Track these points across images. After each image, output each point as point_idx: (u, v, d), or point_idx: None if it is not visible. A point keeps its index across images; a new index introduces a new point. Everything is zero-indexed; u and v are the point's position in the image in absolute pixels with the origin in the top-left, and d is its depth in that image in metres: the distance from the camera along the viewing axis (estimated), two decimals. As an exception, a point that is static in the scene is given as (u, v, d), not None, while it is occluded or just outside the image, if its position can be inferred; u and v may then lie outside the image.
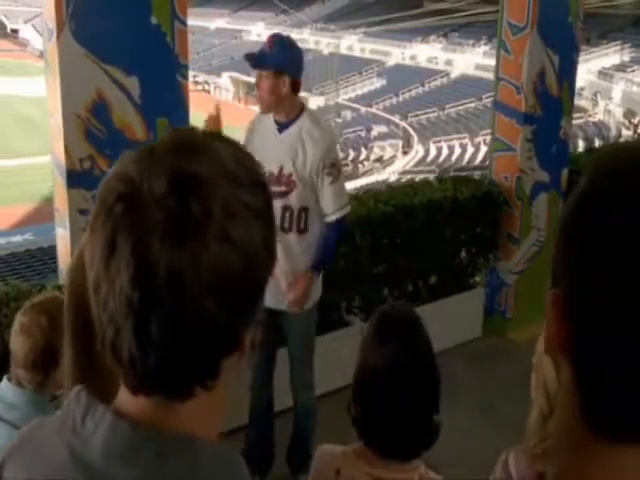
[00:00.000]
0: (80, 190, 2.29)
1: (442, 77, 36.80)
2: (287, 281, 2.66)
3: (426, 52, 38.98)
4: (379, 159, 29.39)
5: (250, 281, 0.61)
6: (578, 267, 0.53)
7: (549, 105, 4.02)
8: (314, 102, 38.01)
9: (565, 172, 4.33)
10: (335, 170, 2.61)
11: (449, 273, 4.11)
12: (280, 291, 2.67)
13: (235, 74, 39.22)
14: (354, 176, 24.88)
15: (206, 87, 41.60)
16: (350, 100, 37.82)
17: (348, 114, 36.10)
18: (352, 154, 30.57)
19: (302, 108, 2.64)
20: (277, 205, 2.59)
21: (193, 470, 0.61)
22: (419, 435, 1.26)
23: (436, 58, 38.07)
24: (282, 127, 2.61)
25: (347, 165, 29.21)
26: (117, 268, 0.57)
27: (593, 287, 0.52)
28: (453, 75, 36.09)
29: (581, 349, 0.53)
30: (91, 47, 2.20)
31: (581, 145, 18.22)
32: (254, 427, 2.95)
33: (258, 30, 46.88)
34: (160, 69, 2.37)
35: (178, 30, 2.36)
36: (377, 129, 32.89)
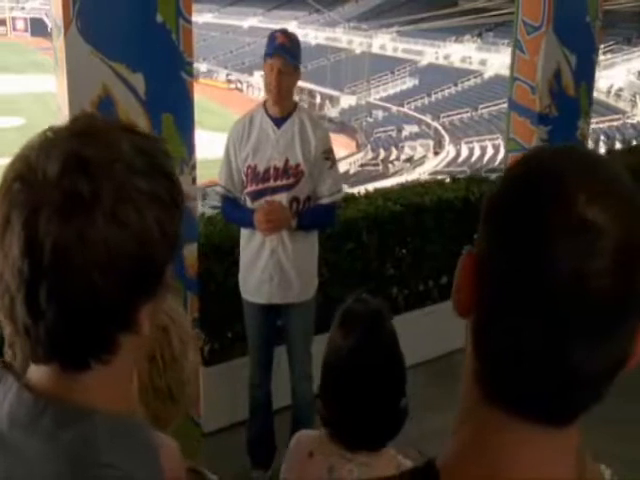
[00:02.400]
0: (86, 183, 2.35)
1: (475, 77, 36.43)
2: (296, 274, 2.71)
3: (460, 52, 38.64)
4: (409, 159, 29.24)
5: (141, 262, 0.64)
6: (483, 241, 0.55)
7: (565, 106, 3.97)
8: (345, 101, 38.05)
9: (582, 174, 4.27)
10: (332, 156, 2.70)
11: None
12: (288, 285, 2.72)
13: (267, 73, 39.33)
14: (384, 176, 24.80)
15: (239, 86, 41.90)
16: (382, 99, 37.71)
17: (379, 114, 36.01)
18: (382, 154, 30.49)
19: (295, 102, 2.74)
20: (284, 198, 2.64)
21: (89, 439, 0.65)
22: (382, 427, 1.27)
23: (470, 58, 37.71)
24: (280, 122, 2.67)
25: (377, 165, 29.18)
26: (10, 241, 0.62)
27: (489, 263, 0.55)
28: (487, 75, 35.68)
29: (480, 320, 0.56)
30: (97, 44, 2.26)
31: (618, 147, 17.85)
32: (255, 421, 3.00)
33: (291, 29, 46.98)
34: (165, 66, 2.41)
35: (183, 28, 2.41)
36: (408, 129, 32.74)
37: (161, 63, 2.40)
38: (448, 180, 4.26)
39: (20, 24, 59.38)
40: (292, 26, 47.74)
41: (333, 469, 1.25)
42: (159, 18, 2.34)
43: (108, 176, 0.63)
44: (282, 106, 2.66)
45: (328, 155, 2.69)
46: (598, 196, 0.52)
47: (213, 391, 3.24)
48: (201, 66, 44.66)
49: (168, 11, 2.35)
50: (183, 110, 2.51)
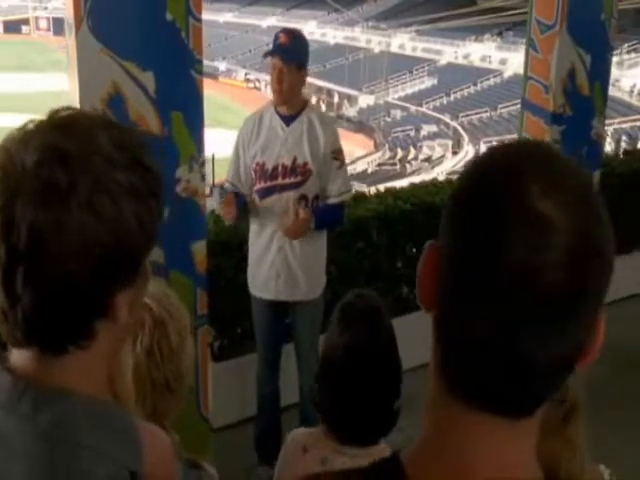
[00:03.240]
0: (97, 179, 2.39)
1: (495, 76, 36.15)
2: (303, 272, 2.72)
3: (480, 51, 38.37)
4: (427, 159, 29.11)
5: (116, 251, 0.67)
6: (444, 235, 0.56)
7: (580, 105, 3.94)
8: (364, 101, 37.98)
9: (597, 174, 4.23)
10: (341, 156, 2.70)
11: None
12: (295, 282, 2.74)
13: (285, 72, 39.38)
14: (401, 175, 24.72)
15: (257, 85, 42.03)
16: (400, 99, 37.58)
17: (397, 113, 35.90)
18: (400, 153, 30.39)
19: (305, 100, 2.75)
20: (292, 196, 2.65)
21: (67, 420, 0.67)
22: (376, 421, 1.28)
23: (490, 57, 37.43)
24: (289, 120, 2.68)
25: (395, 164, 29.09)
26: None
27: (448, 256, 0.56)
28: (506, 74, 35.39)
29: (440, 312, 0.57)
30: (108, 42, 2.29)
31: None
32: (262, 417, 3.02)
33: (310, 29, 47.08)
34: (175, 64, 2.44)
35: (193, 26, 2.43)
36: (427, 128, 32.59)
37: (171, 61, 2.42)
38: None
39: (43, 23, 60.14)
40: (311, 25, 47.80)
41: (326, 461, 1.27)
42: (169, 16, 2.36)
43: (85, 168, 0.65)
44: (290, 104, 2.67)
45: (337, 155, 2.69)
46: (552, 190, 0.52)
47: (222, 387, 3.26)
48: (220, 65, 44.88)
49: (178, 9, 2.38)
50: (193, 108, 2.54)
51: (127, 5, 2.31)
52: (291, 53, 2.62)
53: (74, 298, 0.66)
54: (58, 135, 0.67)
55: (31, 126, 0.68)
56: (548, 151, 0.57)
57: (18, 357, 0.70)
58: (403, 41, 42.27)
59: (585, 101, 3.97)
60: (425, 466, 0.58)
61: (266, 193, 2.70)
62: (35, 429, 0.66)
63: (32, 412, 0.67)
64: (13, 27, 58.87)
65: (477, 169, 0.57)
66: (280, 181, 2.67)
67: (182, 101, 2.50)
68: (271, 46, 2.68)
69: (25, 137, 0.67)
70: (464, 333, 0.55)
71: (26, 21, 60.26)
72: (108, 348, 0.72)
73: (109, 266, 0.67)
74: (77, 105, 2.35)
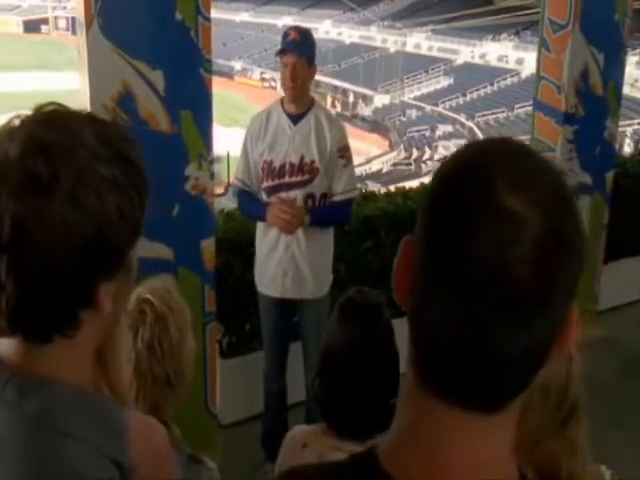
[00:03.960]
0: (107, 177, 2.42)
1: (512, 76, 35.89)
2: (310, 270, 2.73)
3: (497, 50, 38.12)
4: (443, 159, 28.96)
5: (99, 243, 0.68)
6: (418, 231, 0.57)
7: (593, 105, 3.90)
8: (379, 100, 37.90)
9: (611, 175, 4.19)
10: (348, 154, 2.71)
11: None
12: (301, 280, 2.75)
13: (301, 71, 39.38)
14: (416, 175, 24.64)
15: (272, 84, 42.09)
16: (415, 99, 37.43)
17: (413, 113, 35.76)
18: (415, 153, 30.29)
19: (313, 99, 2.77)
20: (299, 194, 2.67)
21: (50, 408, 0.68)
22: (374, 417, 1.29)
23: (507, 57, 37.16)
24: (296, 118, 2.70)
25: (410, 164, 29.00)
26: None
27: (421, 251, 0.57)
28: (524, 74, 35.11)
29: (413, 306, 0.57)
30: (118, 42, 2.32)
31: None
32: (269, 415, 3.03)
33: (325, 28, 47.08)
34: (184, 63, 2.47)
35: (202, 26, 2.45)
36: (442, 128, 32.44)
37: (180, 60, 2.45)
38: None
39: (62, 23, 60.71)
40: (326, 25, 47.79)
41: (322, 457, 1.27)
42: (178, 16, 2.39)
43: (68, 160, 0.67)
44: (299, 102, 2.68)
45: (343, 153, 2.70)
46: (521, 187, 0.53)
47: (231, 384, 3.29)
48: (236, 64, 45.01)
49: (187, 9, 2.40)
50: (202, 106, 2.56)
51: (137, 5, 2.34)
52: (303, 48, 2.63)
53: (57, 288, 0.68)
54: (42, 129, 0.68)
55: (17, 120, 0.70)
56: (518, 149, 0.57)
57: (4, 346, 0.72)
58: (419, 40, 42.10)
59: (598, 101, 3.94)
60: (401, 461, 0.59)
61: (273, 191, 2.71)
62: (20, 417, 0.67)
63: (17, 400, 0.68)
64: (33, 27, 59.54)
65: (449, 167, 0.57)
66: (287, 179, 2.68)
67: (191, 100, 2.53)
68: (281, 44, 2.69)
69: (11, 131, 0.69)
70: (434, 327, 0.56)
71: (45, 21, 60.88)
72: (93, 338, 0.74)
73: (92, 257, 0.68)
74: (87, 103, 2.38)
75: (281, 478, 0.67)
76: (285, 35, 2.66)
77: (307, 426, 1.48)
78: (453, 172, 0.57)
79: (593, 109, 3.92)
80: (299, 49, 2.61)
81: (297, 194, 2.68)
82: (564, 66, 3.76)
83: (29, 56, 45.39)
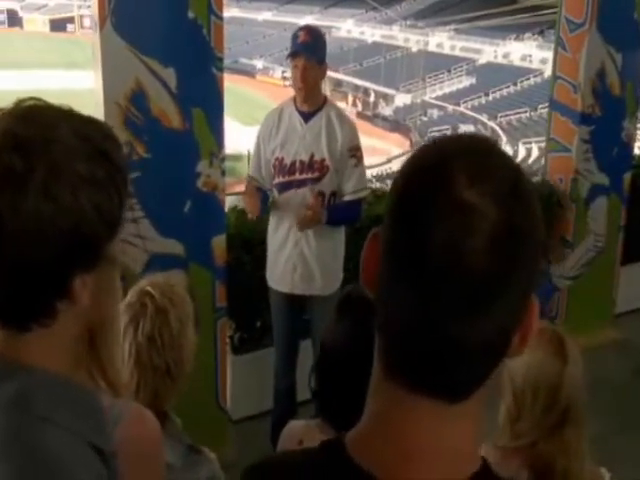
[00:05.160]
0: (120, 173, 2.46)
1: (536, 76, 35.52)
2: (319, 267, 2.74)
3: (520, 50, 37.74)
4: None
5: (73, 236, 0.70)
6: (383, 222, 0.59)
7: (610, 105, 3.86)
8: (400, 100, 37.76)
9: (628, 176, 4.14)
10: (359, 154, 2.71)
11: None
12: (310, 277, 2.76)
13: (322, 70, 39.34)
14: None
15: (294, 83, 42.10)
16: (437, 98, 37.22)
17: (434, 112, 35.58)
18: (436, 153, 30.13)
19: (325, 97, 2.79)
20: (308, 192, 2.68)
21: (26, 393, 0.70)
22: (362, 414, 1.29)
23: (530, 56, 36.77)
24: (308, 116, 2.72)
25: (430, 164, 28.80)
26: None
27: (384, 242, 0.59)
28: (547, 74, 34.73)
29: (377, 295, 0.59)
30: (131, 40, 2.36)
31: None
32: (278, 410, 3.05)
33: (347, 27, 47.01)
34: (196, 61, 2.50)
35: (214, 24, 2.48)
36: (464, 128, 32.20)
37: (192, 58, 2.48)
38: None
39: (87, 22, 61.51)
40: (348, 24, 47.70)
41: None
42: (191, 14, 2.42)
43: (43, 156, 0.68)
44: (310, 101, 2.70)
45: (354, 152, 2.70)
46: (478, 180, 0.54)
47: (242, 379, 3.31)
48: (258, 63, 45.17)
49: (200, 8, 2.43)
50: (213, 104, 2.60)
51: (150, 3, 2.38)
52: (313, 50, 2.65)
53: (32, 278, 0.70)
54: (19, 123, 0.70)
55: None
56: (481, 145, 0.59)
57: None
58: (441, 40, 41.84)
59: (616, 101, 3.89)
60: (367, 448, 0.60)
61: (284, 188, 2.74)
62: (0, 400, 0.70)
63: None
64: (59, 25, 60.36)
65: (413, 162, 0.59)
66: (297, 176, 2.70)
67: (203, 97, 2.56)
68: (291, 46, 2.70)
69: None
70: (395, 316, 0.57)
71: (71, 19, 61.68)
72: (73, 329, 0.75)
73: (66, 250, 0.70)
74: (101, 100, 2.43)
75: (256, 467, 0.68)
76: (295, 37, 2.68)
77: (303, 421, 1.50)
78: (416, 167, 0.59)
79: (610, 109, 3.87)
80: (308, 51, 2.62)
81: (307, 191, 2.70)
82: (580, 65, 3.72)
83: (55, 54, 46.02)
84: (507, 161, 0.58)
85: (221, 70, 2.56)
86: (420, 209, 0.55)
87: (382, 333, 0.59)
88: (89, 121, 0.75)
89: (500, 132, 31.08)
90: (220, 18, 2.50)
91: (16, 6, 62.78)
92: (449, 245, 0.53)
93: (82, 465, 0.70)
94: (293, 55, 2.65)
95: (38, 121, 0.71)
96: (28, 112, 0.73)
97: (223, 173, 2.73)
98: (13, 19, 62.35)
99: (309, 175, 2.69)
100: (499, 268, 0.53)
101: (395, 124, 34.80)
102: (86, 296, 0.72)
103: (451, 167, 0.55)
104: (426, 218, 0.54)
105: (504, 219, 0.53)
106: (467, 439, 0.60)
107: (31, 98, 0.73)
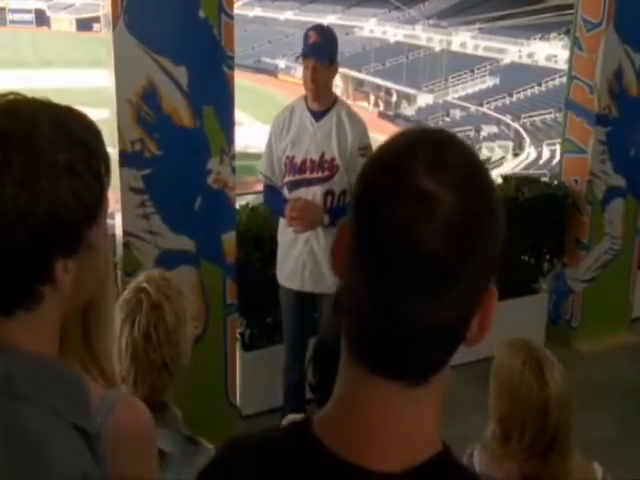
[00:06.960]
0: (131, 170, 2.51)
1: (561, 76, 35.09)
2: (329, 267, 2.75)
3: (545, 50, 37.31)
4: (487, 160, 28.55)
5: (52, 223, 0.72)
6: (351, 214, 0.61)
7: (627, 106, 3.81)
8: (422, 100, 37.59)
9: (646, 178, 4.09)
10: (369, 152, 2.72)
11: (509, 275, 4.01)
12: (320, 275, 2.78)
13: (344, 70, 39.41)
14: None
15: (316, 82, 42.07)
16: (460, 99, 36.96)
17: (457, 113, 35.34)
18: (458, 154, 29.91)
19: (336, 96, 2.79)
20: (319, 191, 2.70)
21: (7, 372, 0.73)
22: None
23: (556, 56, 36.31)
24: (319, 115, 2.73)
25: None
26: None
27: (348, 231, 0.60)
28: (572, 75, 34.25)
29: (344, 282, 0.61)
30: (143, 38, 2.40)
31: None
32: (288, 407, 3.07)
33: (370, 26, 46.93)
34: (207, 60, 2.53)
35: (225, 23, 2.51)
36: (487, 129, 31.96)
37: (203, 57, 2.52)
38: (500, 180, 4.17)
39: (112, 21, 62.17)
40: (371, 23, 47.60)
41: None
42: (202, 13, 2.46)
43: (22, 148, 0.71)
44: (321, 100, 2.72)
45: (364, 151, 2.71)
46: (436, 170, 0.56)
47: (253, 376, 3.34)
48: (280, 62, 45.30)
49: (211, 7, 2.47)
50: (224, 102, 2.63)
51: (162, 3, 2.42)
52: (324, 51, 2.66)
53: (13, 262, 0.73)
54: (0, 118, 0.73)
55: None
56: (442, 137, 0.61)
57: None
58: (465, 39, 41.54)
59: (633, 102, 3.84)
60: (331, 428, 0.62)
61: (294, 186, 2.76)
62: None
63: None
64: (85, 25, 61.17)
65: (375, 155, 0.61)
66: (308, 175, 2.72)
67: (214, 95, 2.60)
68: (302, 46, 2.72)
69: None
70: (354, 301, 0.59)
71: (97, 19, 62.45)
72: (57, 313, 0.78)
73: (44, 235, 0.73)
74: (113, 97, 2.47)
75: (230, 442, 0.70)
76: (306, 37, 2.69)
77: (302, 415, 1.51)
78: (377, 159, 0.61)
79: (627, 110, 3.82)
80: (319, 53, 2.64)
81: (317, 190, 2.71)
82: (597, 65, 3.68)
83: (81, 53, 46.67)
84: (465, 151, 0.59)
85: (232, 68, 2.59)
86: (378, 198, 0.57)
87: (345, 317, 0.61)
88: (71, 114, 0.78)
89: (524, 133, 30.76)
90: (231, 17, 2.53)
91: (44, 6, 63.79)
92: (404, 230, 0.55)
93: (65, 448, 0.72)
94: (304, 56, 2.68)
95: (20, 114, 0.74)
96: (9, 106, 0.75)
97: (233, 170, 2.76)
98: (41, 18, 63.37)
99: (319, 174, 2.71)
100: (454, 254, 0.55)
101: (417, 124, 34.64)
102: (68, 281, 0.75)
103: (411, 158, 0.57)
104: (383, 205, 0.56)
105: (459, 206, 0.55)
106: (427, 422, 0.61)
107: (11, 92, 0.76)
